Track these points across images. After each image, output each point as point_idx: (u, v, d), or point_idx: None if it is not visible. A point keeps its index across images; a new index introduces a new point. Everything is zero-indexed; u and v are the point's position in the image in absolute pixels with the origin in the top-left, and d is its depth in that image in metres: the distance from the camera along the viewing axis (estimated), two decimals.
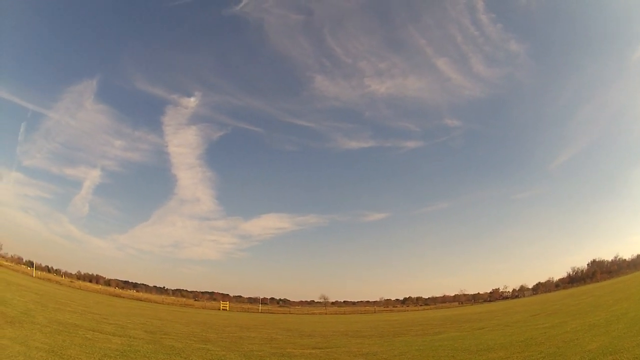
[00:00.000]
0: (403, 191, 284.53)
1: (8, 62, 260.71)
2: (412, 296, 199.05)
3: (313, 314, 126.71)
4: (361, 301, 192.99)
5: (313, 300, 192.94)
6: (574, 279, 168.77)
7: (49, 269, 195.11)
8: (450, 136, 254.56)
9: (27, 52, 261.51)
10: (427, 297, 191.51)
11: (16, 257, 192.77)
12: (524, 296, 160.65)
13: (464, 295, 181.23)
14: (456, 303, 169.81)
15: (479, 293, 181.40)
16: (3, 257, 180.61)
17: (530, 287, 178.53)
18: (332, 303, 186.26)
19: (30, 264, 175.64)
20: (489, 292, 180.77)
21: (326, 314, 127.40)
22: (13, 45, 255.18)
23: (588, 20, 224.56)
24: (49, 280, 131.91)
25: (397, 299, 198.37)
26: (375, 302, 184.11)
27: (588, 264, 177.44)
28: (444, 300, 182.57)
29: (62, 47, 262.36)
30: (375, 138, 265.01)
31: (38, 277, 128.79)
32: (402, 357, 22.71)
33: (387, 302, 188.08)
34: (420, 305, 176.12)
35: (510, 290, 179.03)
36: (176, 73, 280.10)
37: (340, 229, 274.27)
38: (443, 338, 32.03)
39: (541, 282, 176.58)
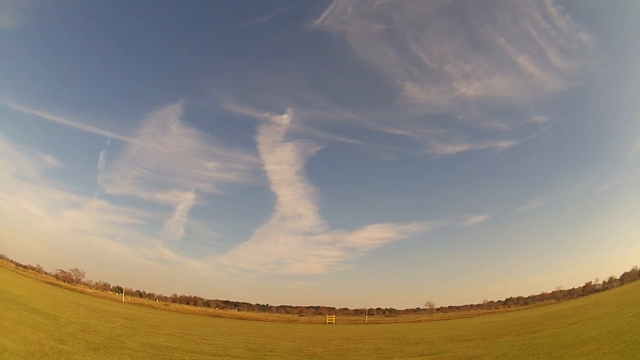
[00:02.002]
0: (500, 192, 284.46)
1: (81, 93, 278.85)
2: (513, 296, 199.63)
3: (419, 321, 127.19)
4: (465, 305, 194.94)
5: (419, 308, 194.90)
6: None
7: (140, 294, 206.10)
8: (540, 132, 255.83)
9: (100, 82, 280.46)
10: (527, 296, 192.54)
11: (102, 283, 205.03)
12: (612, 287, 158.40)
13: (560, 291, 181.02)
14: (553, 300, 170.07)
15: (573, 288, 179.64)
16: (87, 284, 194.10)
17: (617, 277, 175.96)
18: (438, 309, 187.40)
19: (118, 289, 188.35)
20: (582, 286, 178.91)
21: (432, 320, 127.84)
22: (86, 77, 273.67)
23: None
24: (141, 304, 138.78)
25: (499, 300, 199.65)
26: (478, 305, 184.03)
27: None
28: (542, 297, 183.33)
29: (141, 75, 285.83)
30: (470, 141, 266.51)
31: (128, 303, 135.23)
32: (504, 358, 23.95)
33: (490, 304, 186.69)
34: (521, 305, 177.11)
35: (601, 283, 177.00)
36: (264, 91, 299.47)
37: (443, 234, 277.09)
38: (542, 336, 33.24)
39: (626, 271, 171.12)
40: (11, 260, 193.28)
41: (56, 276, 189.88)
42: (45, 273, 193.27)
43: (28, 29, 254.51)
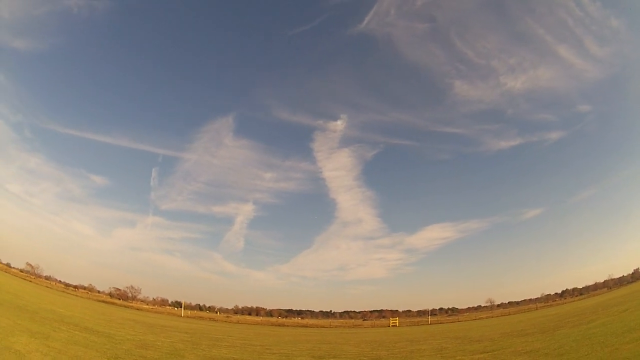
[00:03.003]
0: (552, 184, 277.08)
1: (128, 113, 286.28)
2: (569, 287, 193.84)
3: (480, 318, 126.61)
4: (524, 300, 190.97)
5: (480, 305, 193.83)
6: None
7: (200, 307, 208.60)
8: (585, 122, 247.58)
9: (148, 101, 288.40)
10: (581, 287, 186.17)
11: (160, 299, 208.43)
12: None
13: (612, 279, 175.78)
14: (605, 289, 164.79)
15: (623, 275, 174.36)
16: (143, 301, 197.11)
17: None
18: (498, 305, 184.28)
19: (177, 304, 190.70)
20: (630, 273, 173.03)
21: (492, 317, 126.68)
22: (132, 96, 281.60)
23: None
24: (201, 318, 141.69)
25: (555, 293, 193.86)
26: (536, 299, 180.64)
27: None
28: (595, 287, 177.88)
29: (190, 90, 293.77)
30: (522, 135, 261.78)
31: (187, 317, 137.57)
32: (561, 350, 24.45)
33: (547, 297, 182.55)
34: (576, 296, 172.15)
35: None
36: (317, 98, 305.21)
37: (501, 230, 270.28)
38: (595, 325, 33.64)
39: None
40: (59, 281, 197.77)
41: (110, 294, 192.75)
42: (98, 292, 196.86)
43: (60, 51, 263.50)
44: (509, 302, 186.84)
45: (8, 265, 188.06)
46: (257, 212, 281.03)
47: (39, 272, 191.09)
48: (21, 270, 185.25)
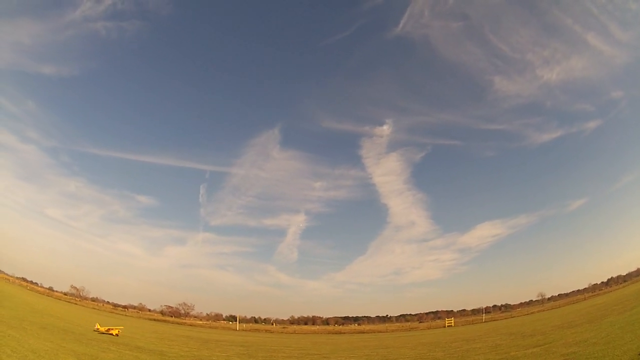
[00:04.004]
0: (594, 173, 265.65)
1: (172, 132, 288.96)
2: (613, 275, 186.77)
3: (532, 313, 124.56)
4: (573, 291, 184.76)
5: (532, 300, 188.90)
6: None
7: (255, 320, 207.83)
8: (619, 108, 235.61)
9: (192, 119, 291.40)
10: (625, 274, 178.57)
11: (213, 314, 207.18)
12: None
13: None
14: None
15: None
16: (197, 317, 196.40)
17: None
18: (549, 299, 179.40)
19: (232, 318, 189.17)
20: None
21: (544, 310, 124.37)
22: (175, 115, 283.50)
23: None
24: (257, 330, 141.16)
25: (601, 282, 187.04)
26: (584, 289, 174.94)
27: None
28: (638, 273, 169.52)
29: (234, 106, 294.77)
30: (562, 126, 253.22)
31: (243, 330, 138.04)
32: (608, 339, 25.16)
33: (594, 287, 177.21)
34: (620, 283, 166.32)
35: None
36: (361, 105, 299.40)
37: (549, 223, 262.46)
38: (638, 312, 34.40)
39: None
40: (107, 302, 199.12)
41: (162, 312, 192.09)
42: (149, 310, 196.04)
43: (93, 75, 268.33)
44: (558, 295, 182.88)
45: (50, 289, 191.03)
46: (309, 222, 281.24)
47: (84, 294, 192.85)
48: (65, 294, 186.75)
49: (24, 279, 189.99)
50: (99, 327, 46.88)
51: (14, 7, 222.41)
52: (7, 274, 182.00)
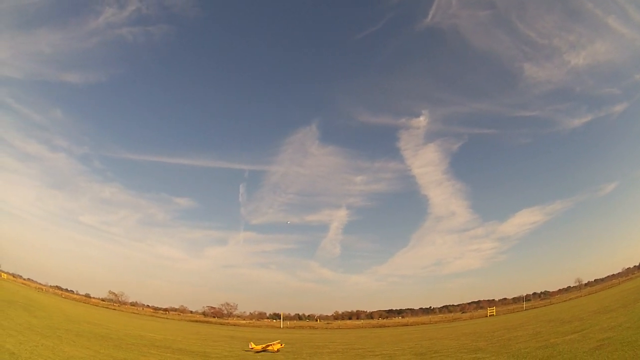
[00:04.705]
0: (624, 156, 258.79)
1: (208, 133, 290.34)
2: None
3: (570, 299, 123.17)
4: (608, 276, 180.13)
5: (569, 286, 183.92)
6: None
7: (299, 317, 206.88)
8: None
9: (228, 119, 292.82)
10: None
11: (257, 313, 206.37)
12: None
13: None
14: None
15: None
16: (240, 316, 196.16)
17: None
18: (585, 284, 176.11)
19: (275, 316, 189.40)
20: None
21: (581, 296, 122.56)
22: (210, 116, 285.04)
23: None
24: (301, 327, 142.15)
25: (634, 266, 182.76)
26: (618, 274, 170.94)
27: None
28: None
29: (270, 105, 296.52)
30: (591, 110, 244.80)
31: (287, 327, 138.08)
32: None
33: (628, 271, 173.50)
34: None
35: None
36: (396, 98, 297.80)
37: (583, 208, 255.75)
38: None
39: None
40: (147, 306, 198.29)
41: (204, 313, 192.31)
42: (191, 312, 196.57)
43: (122, 80, 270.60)
44: (594, 280, 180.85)
45: (87, 295, 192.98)
46: (351, 216, 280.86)
47: (123, 299, 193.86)
48: (103, 300, 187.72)
49: (58, 287, 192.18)
50: (253, 345, 41.57)
51: (31, 18, 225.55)
52: (40, 283, 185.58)
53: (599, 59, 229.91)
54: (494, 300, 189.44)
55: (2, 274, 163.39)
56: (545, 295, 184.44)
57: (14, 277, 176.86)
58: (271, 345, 41.85)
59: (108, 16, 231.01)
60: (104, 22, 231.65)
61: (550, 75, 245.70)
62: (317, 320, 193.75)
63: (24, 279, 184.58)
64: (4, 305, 44.64)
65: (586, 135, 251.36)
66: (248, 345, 42.30)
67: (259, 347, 40.73)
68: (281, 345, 43.55)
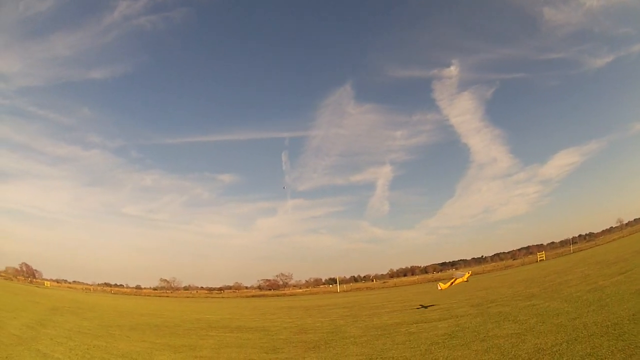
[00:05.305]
0: None
1: (242, 106, 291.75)
2: None
3: (614, 240, 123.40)
4: None
5: (612, 227, 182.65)
6: None
7: (355, 279, 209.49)
8: None
9: (261, 88, 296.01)
10: None
11: (312, 280, 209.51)
12: None
13: None
14: None
15: None
16: (296, 285, 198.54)
17: None
18: (626, 224, 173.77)
19: (332, 281, 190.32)
20: None
21: (623, 237, 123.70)
22: (241, 88, 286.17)
23: None
24: (357, 290, 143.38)
25: None
26: None
27: None
28: None
29: (301, 68, 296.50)
30: (612, 51, 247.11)
31: (344, 291, 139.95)
32: None
33: None
34: None
35: None
36: (424, 50, 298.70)
37: (617, 147, 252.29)
38: None
39: None
40: (201, 288, 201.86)
41: (259, 287, 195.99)
42: (246, 288, 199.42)
43: (147, 68, 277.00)
44: (634, 219, 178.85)
45: (138, 287, 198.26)
46: (396, 171, 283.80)
47: (176, 285, 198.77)
48: (154, 289, 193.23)
49: (106, 284, 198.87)
50: (441, 286, 41.22)
51: (41, 27, 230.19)
52: (87, 284, 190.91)
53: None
54: (542, 244, 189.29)
55: (45, 282, 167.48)
56: (590, 237, 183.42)
57: (57, 282, 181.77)
58: (458, 279, 42.79)
59: (123, 9, 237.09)
60: (120, 16, 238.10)
61: (569, 17, 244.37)
62: (373, 281, 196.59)
63: (70, 283, 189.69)
64: (49, 313, 43.47)
65: (610, 75, 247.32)
66: (437, 287, 43.26)
67: (447, 285, 41.12)
68: (469, 273, 45.38)
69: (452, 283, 41.62)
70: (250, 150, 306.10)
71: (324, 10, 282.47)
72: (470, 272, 48.30)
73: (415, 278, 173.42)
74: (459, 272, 44.31)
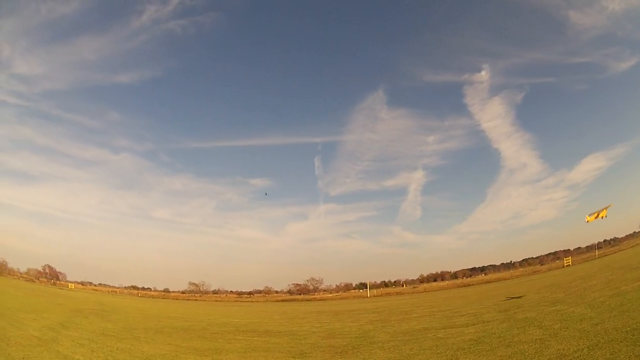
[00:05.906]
0: None
1: (275, 111, 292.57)
2: None
3: (637, 244, 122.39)
4: None
5: (635, 232, 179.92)
6: None
7: (385, 284, 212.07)
8: None
9: (295, 94, 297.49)
10: None
11: (343, 284, 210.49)
12: None
13: None
14: None
15: None
16: (326, 290, 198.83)
17: None
18: None
19: (362, 285, 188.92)
20: None
21: None
22: (275, 93, 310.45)
23: None
24: (387, 294, 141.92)
25: None
26: None
27: None
28: None
29: (333, 75, 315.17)
30: (635, 54, 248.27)
31: (374, 296, 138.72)
32: None
33: None
34: None
35: None
36: (455, 55, 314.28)
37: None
38: None
39: None
40: (231, 291, 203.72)
41: (289, 292, 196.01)
42: (276, 292, 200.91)
43: (178, 72, 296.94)
44: None
45: (166, 290, 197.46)
46: (428, 176, 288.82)
47: (205, 288, 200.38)
48: (183, 292, 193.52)
49: (133, 287, 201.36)
50: (588, 218, 46.23)
51: (66, 30, 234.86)
52: (113, 286, 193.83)
53: (633, 3, 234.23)
54: (569, 249, 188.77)
55: (69, 284, 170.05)
56: (614, 241, 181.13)
57: (82, 285, 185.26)
58: (602, 211, 46.31)
59: (151, 13, 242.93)
60: (149, 20, 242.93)
61: (594, 21, 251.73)
62: (403, 286, 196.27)
63: (95, 285, 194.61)
64: (72, 315, 42.85)
65: (633, 79, 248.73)
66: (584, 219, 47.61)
67: (593, 217, 45.45)
68: (610, 205, 48.17)
69: (597, 214, 45.77)
70: (283, 155, 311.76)
71: (357, 16, 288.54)
72: (611, 204, 50.42)
73: (444, 283, 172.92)
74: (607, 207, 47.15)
